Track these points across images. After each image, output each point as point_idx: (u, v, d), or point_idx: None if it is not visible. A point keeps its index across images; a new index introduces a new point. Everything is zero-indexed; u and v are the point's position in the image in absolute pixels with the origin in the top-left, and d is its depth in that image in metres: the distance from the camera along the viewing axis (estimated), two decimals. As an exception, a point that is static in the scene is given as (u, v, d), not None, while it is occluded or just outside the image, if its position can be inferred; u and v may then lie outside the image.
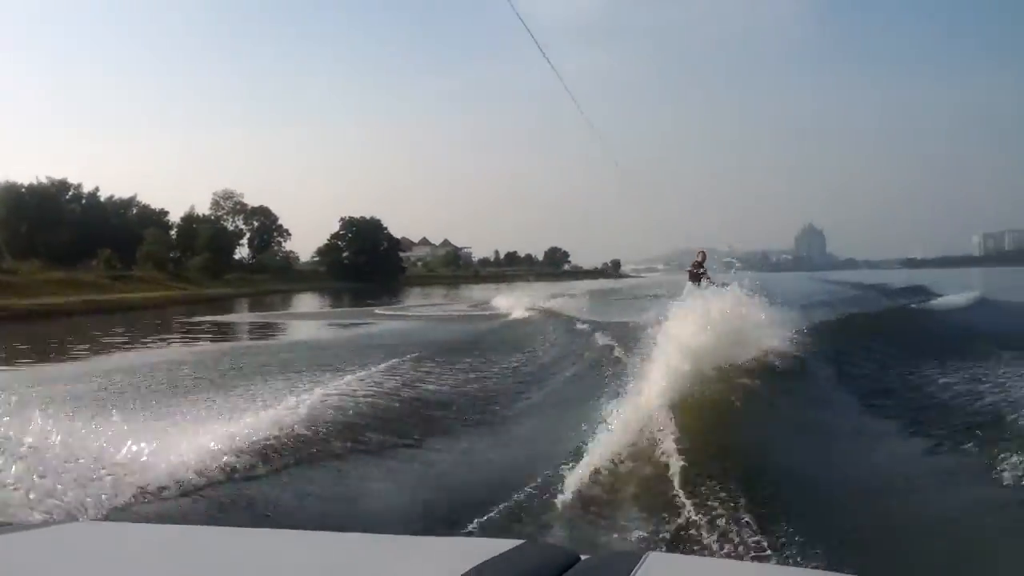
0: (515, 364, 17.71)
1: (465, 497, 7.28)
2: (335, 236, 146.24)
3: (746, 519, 6.36)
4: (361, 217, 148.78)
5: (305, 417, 10.01)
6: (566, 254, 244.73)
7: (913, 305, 28.80)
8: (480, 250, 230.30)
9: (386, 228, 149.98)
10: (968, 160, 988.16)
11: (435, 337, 24.43)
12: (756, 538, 6.02)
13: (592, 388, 12.19)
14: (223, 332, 38.33)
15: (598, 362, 14.48)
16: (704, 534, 6.23)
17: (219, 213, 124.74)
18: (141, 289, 75.02)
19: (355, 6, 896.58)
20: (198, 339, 32.96)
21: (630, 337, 13.61)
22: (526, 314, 30.69)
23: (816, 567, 5.44)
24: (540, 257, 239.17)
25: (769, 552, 5.82)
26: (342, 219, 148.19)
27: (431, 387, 13.78)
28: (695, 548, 6.04)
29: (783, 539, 6.05)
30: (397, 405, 11.97)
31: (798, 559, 5.72)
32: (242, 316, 53.65)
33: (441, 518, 6.74)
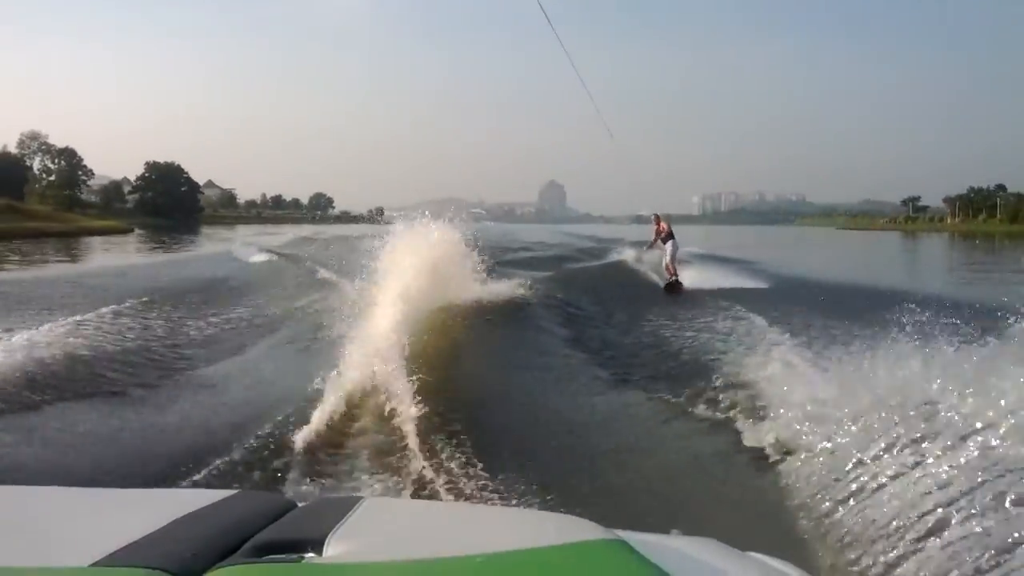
0: (251, 309, 14.37)
1: (188, 449, 5.98)
2: (141, 178, 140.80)
3: (474, 464, 5.71)
4: (165, 162, 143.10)
5: (16, 362, 7.83)
6: (330, 199, 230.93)
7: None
8: (244, 192, 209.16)
9: (186, 173, 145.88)
10: (690, 124, 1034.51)
11: (168, 278, 19.31)
12: (482, 482, 5.43)
13: (329, 332, 10.20)
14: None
15: (336, 306, 11.90)
16: (433, 478, 5.52)
17: (25, 153, 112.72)
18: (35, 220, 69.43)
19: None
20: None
21: (365, 279, 11.13)
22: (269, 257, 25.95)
23: (537, 508, 4.93)
24: (305, 201, 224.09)
25: (494, 495, 5.26)
26: (147, 163, 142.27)
27: (159, 333, 11.14)
28: (421, 493, 5.35)
29: (508, 483, 5.45)
30: (120, 350, 9.52)
31: (521, 502, 5.18)
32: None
33: (159, 471, 5.54)
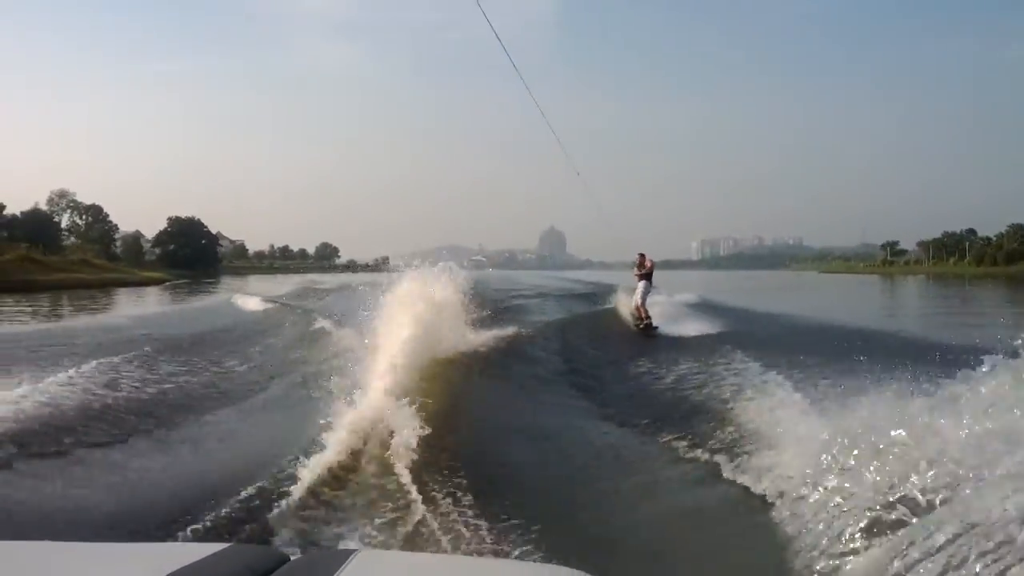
0: (249, 359, 13.82)
1: (183, 501, 5.62)
2: (164, 232, 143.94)
3: (473, 515, 5.36)
4: (187, 217, 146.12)
5: (7, 416, 7.44)
6: (336, 249, 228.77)
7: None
8: (251, 243, 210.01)
9: (206, 227, 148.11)
10: (691, 170, 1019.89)
11: (170, 330, 18.15)
12: (481, 534, 5.11)
13: (325, 382, 9.67)
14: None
15: (333, 355, 11.86)
16: (431, 531, 5.20)
17: (54, 209, 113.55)
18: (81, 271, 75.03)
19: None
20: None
21: (363, 328, 10.73)
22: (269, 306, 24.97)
23: (534, 560, 4.67)
24: (312, 251, 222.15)
25: (492, 547, 4.95)
26: (169, 218, 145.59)
27: (156, 383, 10.61)
28: (419, 546, 5.05)
29: (507, 534, 5.13)
30: (117, 402, 9.00)
31: (519, 553, 4.86)
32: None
33: (150, 523, 5.20)
